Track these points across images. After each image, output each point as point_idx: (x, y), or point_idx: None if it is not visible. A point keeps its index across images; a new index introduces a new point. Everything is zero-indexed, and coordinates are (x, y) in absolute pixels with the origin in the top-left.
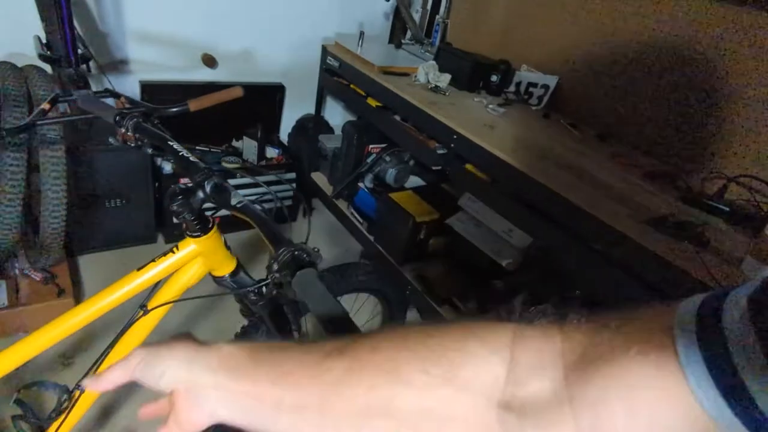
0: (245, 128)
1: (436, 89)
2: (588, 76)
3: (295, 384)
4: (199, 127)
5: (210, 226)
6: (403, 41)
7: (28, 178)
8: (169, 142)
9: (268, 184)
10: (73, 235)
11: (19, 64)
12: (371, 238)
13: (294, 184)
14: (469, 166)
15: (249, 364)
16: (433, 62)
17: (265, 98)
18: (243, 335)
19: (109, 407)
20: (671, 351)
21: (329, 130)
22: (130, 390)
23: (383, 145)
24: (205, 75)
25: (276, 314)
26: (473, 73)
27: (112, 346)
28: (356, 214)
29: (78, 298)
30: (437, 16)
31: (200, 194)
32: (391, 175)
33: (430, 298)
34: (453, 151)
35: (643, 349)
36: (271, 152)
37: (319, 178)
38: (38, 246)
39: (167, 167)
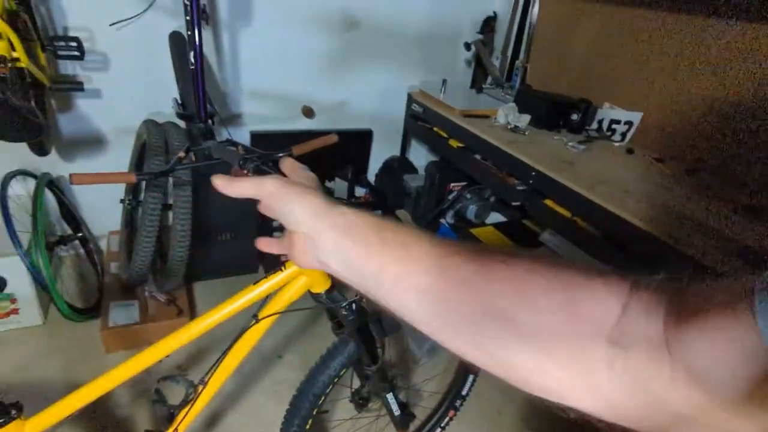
0: (337, 170)
1: (515, 129)
2: (675, 112)
3: (420, 271)
4: None
5: None
6: (483, 86)
7: (162, 215)
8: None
9: None
10: (190, 264)
11: (160, 121)
12: None
13: None
14: (548, 202)
15: (374, 240)
16: (513, 104)
17: (355, 142)
18: (332, 353)
19: (216, 415)
20: (748, 306)
21: (413, 170)
22: (235, 399)
23: (464, 183)
24: (303, 124)
25: (363, 332)
26: (552, 112)
27: (227, 351)
28: None
29: (193, 318)
30: (517, 61)
31: None
32: (471, 211)
33: None
34: (532, 187)
35: (727, 302)
36: (360, 191)
37: (403, 215)
38: (165, 272)
39: None
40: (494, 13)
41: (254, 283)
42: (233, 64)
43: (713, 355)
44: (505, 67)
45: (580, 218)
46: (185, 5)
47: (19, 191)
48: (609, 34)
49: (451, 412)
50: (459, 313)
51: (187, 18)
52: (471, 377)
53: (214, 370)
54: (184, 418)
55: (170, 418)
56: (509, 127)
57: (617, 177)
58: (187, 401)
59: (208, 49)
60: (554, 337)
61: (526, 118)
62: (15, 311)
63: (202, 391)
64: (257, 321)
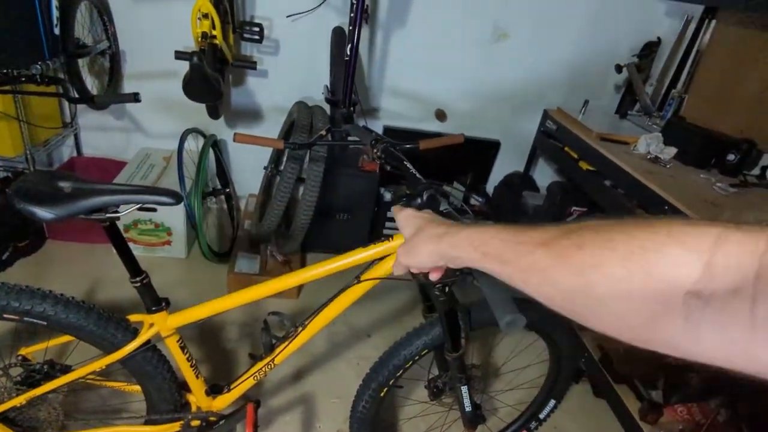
0: (457, 175)
1: (655, 160)
2: None
3: (510, 263)
4: (419, 170)
5: None
6: (629, 112)
7: (294, 186)
8: (405, 162)
9: None
10: (309, 235)
11: (309, 104)
12: None
13: None
14: None
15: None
16: (658, 134)
17: (481, 152)
18: (418, 333)
19: (302, 371)
20: None
21: (535, 188)
22: (321, 362)
23: (585, 209)
24: (434, 126)
25: (450, 318)
26: (705, 148)
27: (327, 303)
28: None
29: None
30: (673, 90)
31: (418, 200)
32: None
33: (607, 372)
34: None
35: None
36: (475, 200)
37: None
38: (286, 236)
39: (387, 196)
40: (658, 38)
41: (363, 247)
42: (381, 62)
43: None
44: (659, 96)
45: None
46: (351, 3)
47: (191, 146)
48: None
49: (524, 431)
50: (548, 297)
51: (351, 15)
52: (552, 402)
53: (314, 317)
54: (282, 350)
55: (271, 347)
56: (649, 156)
57: None
58: (287, 337)
59: (363, 46)
60: (630, 298)
61: (671, 150)
62: (168, 242)
63: (300, 331)
64: (359, 282)
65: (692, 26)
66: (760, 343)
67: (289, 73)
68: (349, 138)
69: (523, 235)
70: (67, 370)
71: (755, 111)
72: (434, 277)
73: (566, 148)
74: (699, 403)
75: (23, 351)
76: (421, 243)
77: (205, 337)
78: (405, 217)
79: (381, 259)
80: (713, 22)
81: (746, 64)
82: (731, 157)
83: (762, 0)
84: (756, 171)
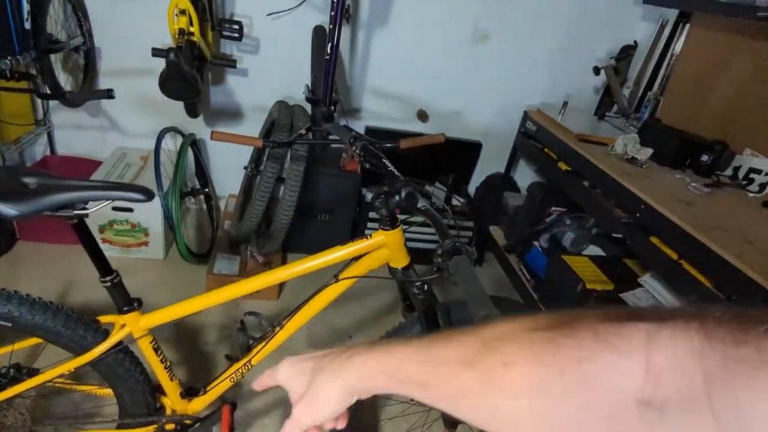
0: (439, 176)
1: (632, 161)
2: None
3: (435, 389)
4: (401, 170)
5: (397, 224)
6: (607, 114)
7: (275, 186)
8: (383, 160)
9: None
10: (289, 235)
11: (290, 104)
12: (535, 296)
13: (470, 233)
14: (654, 239)
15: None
16: (635, 135)
17: (462, 152)
18: (398, 331)
19: None
20: None
21: (515, 189)
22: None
23: (565, 209)
24: (416, 127)
25: (429, 317)
26: (679, 149)
27: (305, 302)
28: (525, 271)
29: (282, 282)
30: (649, 93)
31: (396, 198)
32: (569, 238)
33: None
34: (638, 221)
35: None
36: (457, 201)
37: (496, 233)
38: (267, 236)
39: (369, 196)
40: (635, 42)
41: (341, 245)
42: (363, 61)
43: None
44: (636, 98)
45: (688, 262)
46: (332, 2)
47: (169, 145)
48: (764, 76)
49: None
50: (468, 417)
51: (332, 13)
52: None
53: (292, 316)
54: (259, 351)
55: (248, 348)
56: (626, 157)
57: (741, 226)
58: (264, 337)
59: (344, 45)
60: (579, 414)
61: (647, 151)
62: (145, 243)
63: (278, 331)
64: (337, 280)
65: (667, 30)
66: None
67: (270, 72)
68: (330, 137)
69: (440, 354)
70: (34, 373)
71: (728, 113)
72: (341, 425)
73: (546, 149)
74: None
75: None
76: (325, 386)
77: (182, 340)
78: (288, 367)
79: (360, 257)
80: (687, 26)
81: (719, 68)
82: (705, 157)
83: (733, 5)
84: (729, 171)
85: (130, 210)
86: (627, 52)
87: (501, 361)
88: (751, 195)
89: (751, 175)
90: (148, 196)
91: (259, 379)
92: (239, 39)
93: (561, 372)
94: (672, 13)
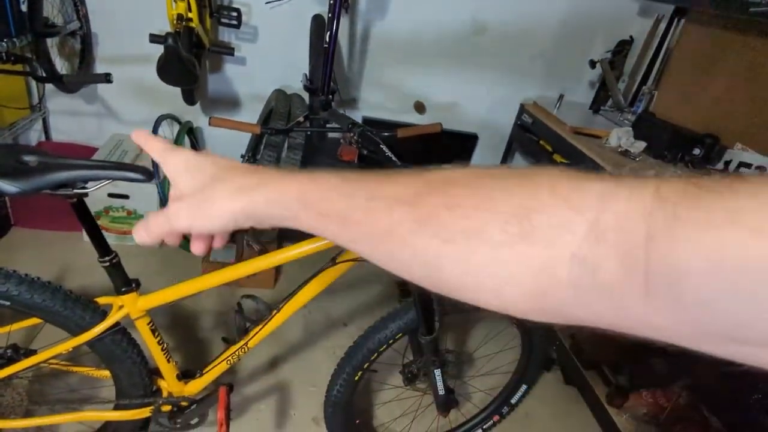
0: None
1: (625, 153)
2: None
3: (357, 225)
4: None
5: None
6: (602, 107)
7: None
8: (381, 146)
9: None
10: None
11: (288, 92)
12: None
13: None
14: None
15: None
16: (629, 128)
17: (458, 144)
18: (393, 316)
19: (277, 359)
20: None
21: None
22: (296, 350)
23: None
24: (413, 118)
25: (425, 301)
26: (672, 142)
27: (302, 286)
28: None
29: (277, 270)
30: (644, 87)
31: None
32: None
33: (577, 359)
34: None
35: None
36: None
37: None
38: None
39: None
40: (631, 36)
41: None
42: (361, 52)
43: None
44: (631, 92)
45: None
46: None
47: (166, 132)
48: (756, 72)
49: (496, 417)
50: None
51: (331, 2)
52: (524, 387)
53: (288, 300)
54: (256, 334)
55: (245, 331)
56: (620, 150)
57: None
58: (261, 321)
59: (343, 35)
60: (510, 264)
61: (640, 144)
62: None
63: (275, 315)
64: (334, 264)
65: (662, 25)
66: (654, 312)
67: (268, 60)
68: (327, 125)
69: (375, 189)
70: (31, 354)
71: (720, 108)
72: (218, 244)
73: (541, 142)
74: (663, 387)
75: None
76: (220, 198)
77: (179, 325)
78: (184, 160)
79: None
80: (682, 21)
81: (712, 63)
82: (696, 151)
83: (726, 0)
84: (719, 165)
85: (126, 197)
86: (623, 47)
87: (443, 204)
88: None
89: (741, 169)
90: (148, 176)
91: (144, 136)
92: (237, 27)
93: (506, 220)
94: (668, 9)
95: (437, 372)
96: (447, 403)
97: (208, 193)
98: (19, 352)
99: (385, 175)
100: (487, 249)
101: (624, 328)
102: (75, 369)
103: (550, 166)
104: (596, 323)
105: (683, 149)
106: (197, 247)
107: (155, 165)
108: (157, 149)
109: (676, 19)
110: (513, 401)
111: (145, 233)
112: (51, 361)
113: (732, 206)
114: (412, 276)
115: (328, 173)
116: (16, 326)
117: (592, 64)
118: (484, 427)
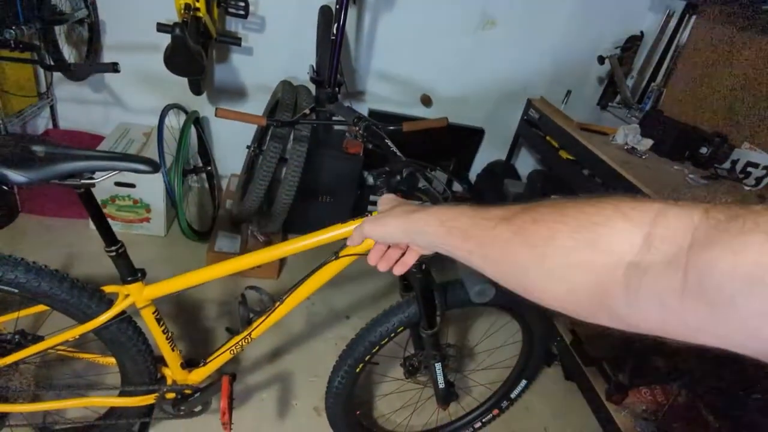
0: (440, 161)
1: (632, 151)
2: None
3: (473, 238)
4: (403, 154)
5: None
6: (610, 104)
7: (277, 166)
8: (386, 140)
9: None
10: (290, 217)
11: (294, 84)
12: None
13: None
14: None
15: (439, 227)
16: (636, 125)
17: (464, 139)
18: (394, 310)
19: (280, 350)
20: None
21: (516, 177)
22: (299, 341)
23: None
24: (419, 111)
25: (426, 296)
26: (679, 141)
27: (305, 278)
28: None
29: (282, 261)
30: (653, 84)
31: (398, 177)
32: None
33: (577, 355)
34: None
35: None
36: (457, 187)
37: None
38: (268, 216)
39: (370, 180)
40: (641, 32)
41: (342, 222)
42: (368, 44)
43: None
44: (639, 89)
45: None
46: None
47: (172, 122)
48: (767, 71)
49: (495, 411)
50: (506, 264)
51: None
52: (524, 382)
53: (292, 292)
54: (259, 325)
55: (248, 321)
56: (626, 147)
57: None
58: (264, 312)
59: (350, 27)
60: (578, 267)
61: (647, 142)
62: (147, 219)
63: (278, 306)
64: (337, 257)
65: (673, 21)
66: (689, 309)
67: (275, 51)
68: (333, 118)
69: (488, 212)
70: (39, 340)
71: (729, 106)
72: (399, 270)
73: (548, 137)
74: (662, 384)
75: None
76: (392, 216)
77: (184, 315)
78: (384, 199)
79: None
80: (693, 17)
81: (722, 61)
82: (704, 150)
83: None
84: (727, 164)
85: (133, 186)
86: (633, 43)
87: (531, 219)
88: (747, 188)
89: (749, 169)
90: (154, 167)
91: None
92: (245, 16)
93: (575, 230)
94: (679, 5)
95: (438, 365)
96: (447, 396)
97: (385, 214)
98: (26, 338)
99: (497, 205)
100: (561, 253)
101: (665, 331)
102: (81, 355)
103: (617, 193)
104: (642, 326)
105: (690, 148)
106: (372, 258)
107: (161, 156)
108: (386, 201)
109: (687, 15)
110: (513, 396)
111: (358, 238)
112: (58, 347)
113: (762, 219)
114: (508, 282)
115: (462, 205)
116: (23, 313)
117: (601, 59)
118: (484, 420)
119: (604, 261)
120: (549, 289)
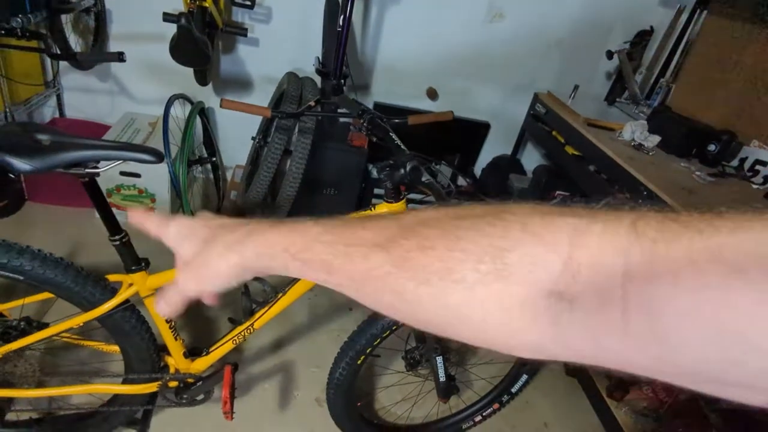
0: (445, 155)
1: (639, 147)
2: None
3: (339, 272)
4: (408, 147)
5: (401, 197)
6: (618, 100)
7: (281, 158)
8: (390, 134)
9: None
10: (294, 209)
11: (300, 75)
12: None
13: None
14: None
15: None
16: (644, 122)
17: (470, 133)
18: None
19: (282, 341)
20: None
21: (522, 171)
22: (301, 333)
23: (569, 194)
24: (425, 105)
25: None
26: (687, 137)
27: None
28: None
29: None
30: (662, 80)
31: (402, 170)
32: None
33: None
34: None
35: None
36: (462, 181)
37: None
38: (272, 207)
39: (374, 173)
40: (651, 27)
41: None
42: (375, 36)
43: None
44: (648, 84)
45: None
46: None
47: (178, 112)
48: None
49: (496, 405)
50: (384, 309)
51: None
52: (525, 377)
53: (294, 283)
54: (261, 316)
55: (251, 312)
56: (633, 143)
57: None
58: (267, 302)
59: (357, 19)
60: (488, 310)
61: (654, 138)
62: (152, 209)
63: (281, 297)
64: None
65: (684, 16)
66: (633, 350)
67: (281, 42)
68: (338, 110)
69: (352, 235)
70: (44, 327)
71: (738, 103)
72: (212, 301)
73: (554, 132)
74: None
75: None
76: (216, 257)
77: (186, 305)
78: (179, 229)
79: None
80: (704, 13)
81: (732, 57)
82: (712, 147)
83: None
84: (735, 162)
85: (138, 175)
86: (642, 38)
87: (417, 245)
88: (754, 186)
89: (757, 167)
90: (159, 157)
91: (140, 216)
92: (251, 7)
93: (479, 261)
94: (690, 0)
95: (439, 359)
96: (448, 389)
97: (204, 256)
98: (32, 324)
99: (363, 221)
100: (462, 289)
101: (608, 365)
102: (86, 343)
103: (522, 202)
104: (580, 360)
105: (698, 145)
106: (210, 300)
107: (166, 146)
108: (153, 226)
109: (698, 10)
110: (513, 390)
111: (166, 307)
112: (63, 334)
113: (712, 244)
114: (398, 316)
115: (310, 222)
116: (29, 300)
117: (610, 54)
118: (484, 414)
119: (518, 293)
120: (455, 327)
